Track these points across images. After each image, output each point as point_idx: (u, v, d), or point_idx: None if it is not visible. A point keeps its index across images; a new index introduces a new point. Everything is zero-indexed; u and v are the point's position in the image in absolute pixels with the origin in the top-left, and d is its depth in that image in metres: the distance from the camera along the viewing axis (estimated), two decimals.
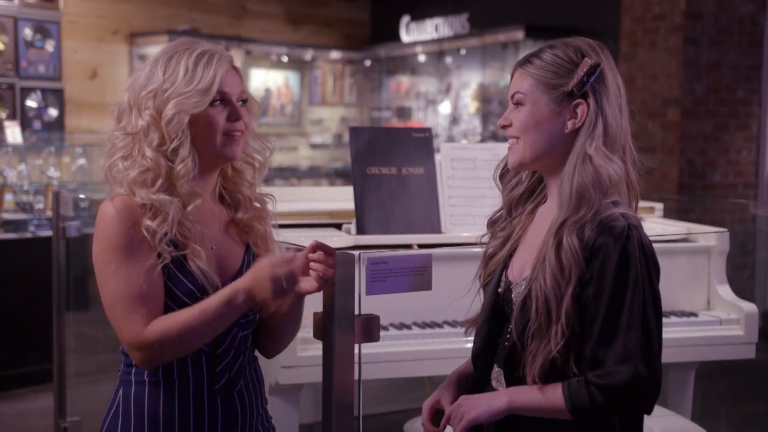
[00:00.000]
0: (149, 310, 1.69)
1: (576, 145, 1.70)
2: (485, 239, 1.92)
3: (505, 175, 1.89)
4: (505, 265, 1.83)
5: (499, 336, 1.81)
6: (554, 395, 1.66)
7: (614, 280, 1.62)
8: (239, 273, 1.81)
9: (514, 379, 1.74)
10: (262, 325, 1.90)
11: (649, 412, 1.70)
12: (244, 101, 1.82)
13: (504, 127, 1.80)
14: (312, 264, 1.70)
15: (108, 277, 1.71)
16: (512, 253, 1.84)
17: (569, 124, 1.72)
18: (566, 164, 1.71)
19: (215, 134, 1.76)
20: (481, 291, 1.90)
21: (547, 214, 1.77)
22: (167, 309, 1.74)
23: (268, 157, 1.90)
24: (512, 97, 1.78)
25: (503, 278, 1.82)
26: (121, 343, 1.74)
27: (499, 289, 1.82)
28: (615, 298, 1.62)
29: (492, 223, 1.91)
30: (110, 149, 1.80)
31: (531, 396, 1.68)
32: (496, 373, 1.80)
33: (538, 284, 1.66)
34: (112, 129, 1.81)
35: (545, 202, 1.83)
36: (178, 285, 1.73)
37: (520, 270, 1.78)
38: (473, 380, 1.86)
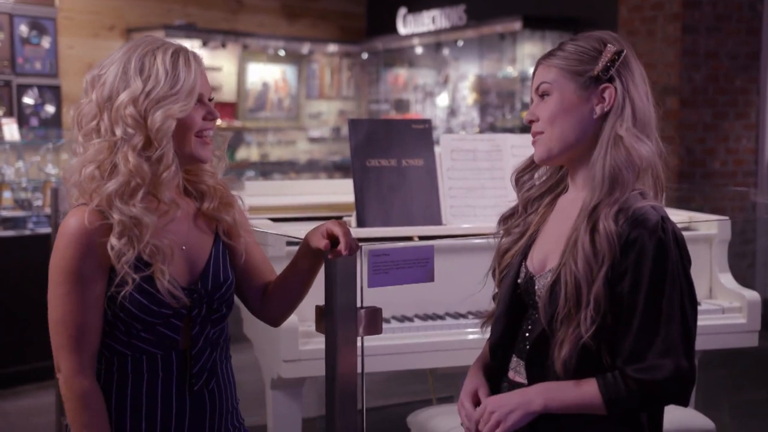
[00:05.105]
0: (89, 346, 1.69)
1: (606, 128, 1.70)
2: (496, 236, 1.90)
3: (521, 177, 1.89)
4: (524, 256, 1.82)
5: (519, 328, 1.80)
6: (589, 390, 1.64)
7: (652, 274, 1.61)
8: (206, 267, 1.80)
9: (536, 369, 1.73)
10: (273, 293, 1.90)
11: (686, 404, 1.69)
12: (211, 100, 1.80)
13: (531, 122, 1.77)
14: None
15: (57, 298, 1.69)
16: (530, 244, 1.82)
17: (597, 109, 1.72)
18: (596, 149, 1.70)
19: (190, 135, 1.74)
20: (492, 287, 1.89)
21: (570, 204, 1.76)
22: (130, 330, 1.72)
23: (224, 147, 1.88)
24: (537, 89, 1.76)
25: (523, 269, 1.81)
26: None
27: (519, 280, 1.80)
28: (653, 292, 1.62)
29: (504, 220, 1.90)
30: (75, 152, 1.73)
31: (566, 393, 1.66)
32: (515, 364, 1.80)
33: (569, 268, 1.64)
34: (76, 133, 1.74)
35: (564, 193, 1.82)
36: (139, 305, 1.70)
37: (541, 260, 1.77)
38: (492, 371, 1.85)
